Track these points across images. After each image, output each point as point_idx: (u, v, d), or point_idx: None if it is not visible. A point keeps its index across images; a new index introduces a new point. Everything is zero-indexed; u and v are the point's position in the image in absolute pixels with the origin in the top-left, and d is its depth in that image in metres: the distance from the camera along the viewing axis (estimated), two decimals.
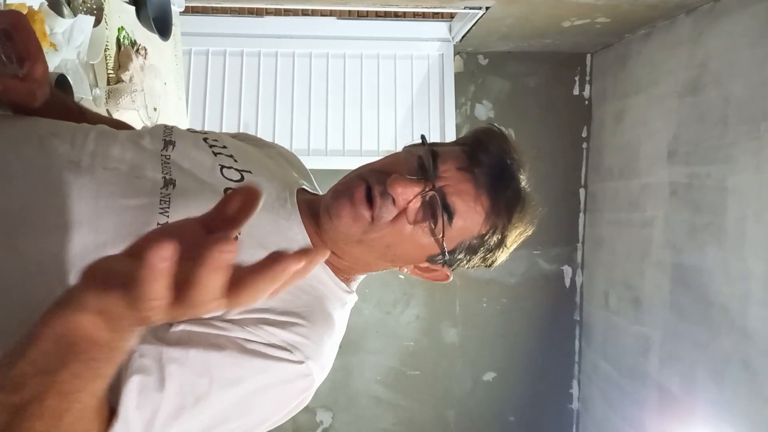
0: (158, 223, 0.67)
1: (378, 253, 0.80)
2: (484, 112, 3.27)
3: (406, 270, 0.86)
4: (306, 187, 0.89)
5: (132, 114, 1.57)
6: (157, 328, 0.62)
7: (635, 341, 2.82)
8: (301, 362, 0.69)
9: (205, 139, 0.83)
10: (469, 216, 0.77)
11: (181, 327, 0.64)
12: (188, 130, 0.89)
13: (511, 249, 0.84)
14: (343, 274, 0.83)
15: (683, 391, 2.46)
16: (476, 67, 3.27)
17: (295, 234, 0.77)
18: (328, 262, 0.80)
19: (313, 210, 0.81)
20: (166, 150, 0.78)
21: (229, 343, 0.65)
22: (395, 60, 3.00)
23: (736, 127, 2.19)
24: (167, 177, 0.73)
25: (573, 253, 3.41)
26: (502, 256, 0.85)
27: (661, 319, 2.62)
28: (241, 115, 2.87)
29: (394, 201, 0.75)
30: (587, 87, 3.32)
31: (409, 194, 0.75)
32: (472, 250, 0.82)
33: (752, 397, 2.08)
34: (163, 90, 1.82)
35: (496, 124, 0.84)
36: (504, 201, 0.78)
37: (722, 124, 2.26)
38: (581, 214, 3.38)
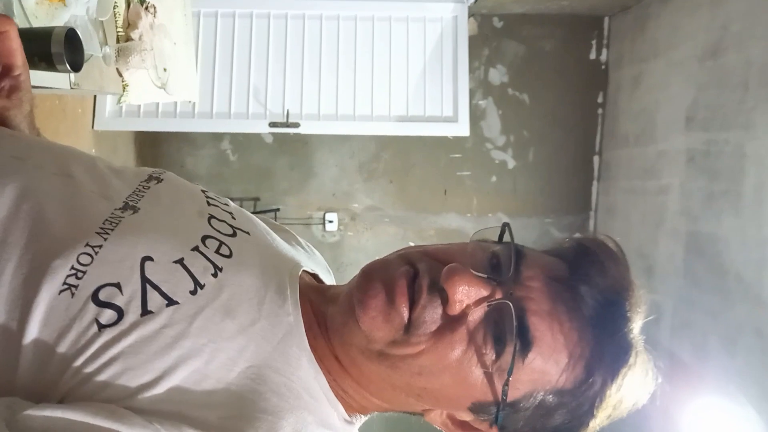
0: (87, 244, 0.49)
1: (401, 380, 0.53)
2: (498, 76, 3.21)
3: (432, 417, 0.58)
4: (321, 277, 0.68)
5: (142, 73, 1.55)
6: (15, 409, 0.41)
7: (647, 309, 2.81)
8: None
9: (203, 191, 0.66)
10: (552, 354, 0.50)
11: (48, 411, 0.41)
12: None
13: (599, 425, 0.54)
14: (345, 399, 0.57)
15: (695, 359, 2.45)
16: (490, 30, 3.19)
17: (286, 313, 0.54)
18: (326, 373, 0.55)
19: (323, 297, 0.60)
20: (148, 182, 0.61)
21: None
22: (407, 22, 2.94)
23: (757, 91, 2.13)
24: (130, 202, 0.56)
25: (585, 221, 3.38)
26: None
27: (673, 287, 2.60)
28: (250, 78, 2.83)
29: (445, 302, 0.50)
30: (604, 51, 3.25)
31: (471, 295, 0.50)
32: (541, 413, 0.53)
33: (765, 365, 2.07)
34: (172, 50, 1.78)
35: (612, 238, 0.57)
36: (611, 349, 0.53)
37: (743, 88, 2.20)
38: (594, 182, 3.34)
